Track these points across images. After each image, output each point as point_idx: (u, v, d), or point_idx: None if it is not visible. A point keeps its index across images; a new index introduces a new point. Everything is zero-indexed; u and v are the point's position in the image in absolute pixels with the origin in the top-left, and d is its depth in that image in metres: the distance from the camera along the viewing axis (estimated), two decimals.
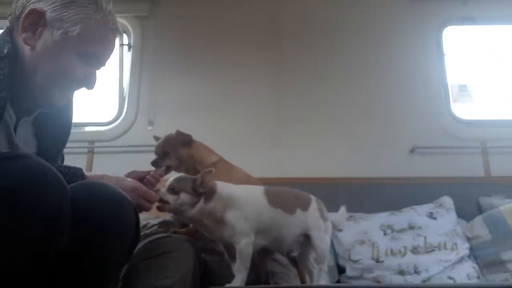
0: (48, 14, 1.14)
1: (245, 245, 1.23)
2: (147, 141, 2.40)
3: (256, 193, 1.33)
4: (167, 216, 1.89)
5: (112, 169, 2.41)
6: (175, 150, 1.62)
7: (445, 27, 2.72)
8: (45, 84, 1.15)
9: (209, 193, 1.26)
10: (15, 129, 1.16)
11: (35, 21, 1.14)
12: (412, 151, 2.51)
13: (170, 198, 1.24)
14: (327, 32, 2.70)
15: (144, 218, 1.73)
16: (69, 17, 1.14)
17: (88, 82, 1.22)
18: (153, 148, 2.32)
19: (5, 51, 1.10)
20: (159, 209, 1.27)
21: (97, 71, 1.25)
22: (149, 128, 2.53)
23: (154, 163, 1.62)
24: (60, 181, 0.89)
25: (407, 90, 2.63)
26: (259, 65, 2.65)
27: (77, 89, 1.24)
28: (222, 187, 1.30)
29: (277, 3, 2.77)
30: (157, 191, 1.26)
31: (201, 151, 1.63)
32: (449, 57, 2.70)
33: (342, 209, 1.54)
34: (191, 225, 1.63)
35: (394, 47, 2.67)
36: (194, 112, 2.53)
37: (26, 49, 1.13)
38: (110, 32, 1.22)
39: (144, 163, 2.45)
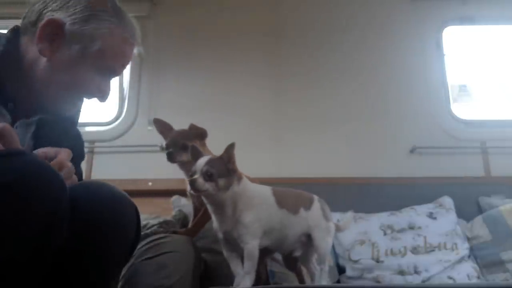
0: (68, 27, 1.10)
1: (253, 247, 1.23)
2: (147, 141, 2.43)
3: (266, 193, 1.32)
4: (167, 216, 1.90)
5: (112, 169, 2.46)
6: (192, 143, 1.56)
7: (445, 27, 2.72)
8: (57, 97, 1.13)
9: (239, 175, 1.25)
10: None
11: (53, 32, 1.09)
12: (412, 151, 2.51)
13: (208, 186, 1.18)
14: (327, 32, 2.70)
15: (144, 218, 1.73)
16: (89, 32, 1.11)
17: (102, 94, 1.20)
18: (153, 148, 2.35)
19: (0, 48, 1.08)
20: (196, 192, 1.20)
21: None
22: (149, 128, 2.53)
23: (170, 155, 1.49)
24: (58, 178, 0.89)
25: (407, 90, 2.63)
26: (259, 65, 2.66)
27: (89, 99, 1.22)
28: (245, 177, 1.29)
29: (277, 3, 2.77)
30: (193, 180, 1.16)
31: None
32: (449, 57, 2.71)
33: (350, 213, 1.56)
34: (191, 225, 1.63)
35: (394, 47, 2.68)
36: (194, 112, 2.52)
37: (41, 60, 1.10)
38: (128, 46, 1.21)
39: (144, 163, 2.49)
